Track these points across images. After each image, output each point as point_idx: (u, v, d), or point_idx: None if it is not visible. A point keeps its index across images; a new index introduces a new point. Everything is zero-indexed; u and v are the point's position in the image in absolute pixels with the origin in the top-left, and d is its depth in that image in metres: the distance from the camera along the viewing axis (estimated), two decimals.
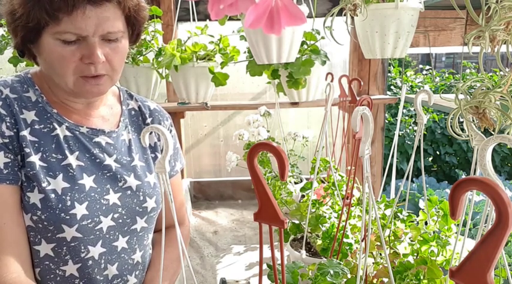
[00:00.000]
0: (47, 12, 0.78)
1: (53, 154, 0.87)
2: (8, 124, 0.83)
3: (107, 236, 0.91)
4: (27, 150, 0.84)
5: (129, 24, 0.91)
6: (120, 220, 0.92)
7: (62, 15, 0.78)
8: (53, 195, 0.84)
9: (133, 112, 1.04)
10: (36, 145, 0.86)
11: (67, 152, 0.88)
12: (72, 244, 0.86)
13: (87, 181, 0.89)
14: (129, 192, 0.94)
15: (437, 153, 5.49)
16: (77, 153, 0.89)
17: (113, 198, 0.91)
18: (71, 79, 0.84)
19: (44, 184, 0.84)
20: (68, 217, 0.85)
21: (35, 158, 0.84)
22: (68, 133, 0.90)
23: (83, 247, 0.88)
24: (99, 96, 0.91)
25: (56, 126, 0.89)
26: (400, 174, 4.65)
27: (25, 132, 0.85)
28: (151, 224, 1.00)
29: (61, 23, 0.79)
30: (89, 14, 0.80)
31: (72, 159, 0.88)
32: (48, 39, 0.81)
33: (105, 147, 0.94)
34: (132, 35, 0.94)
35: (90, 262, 0.89)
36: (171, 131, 1.09)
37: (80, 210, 0.86)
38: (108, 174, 0.92)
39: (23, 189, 0.84)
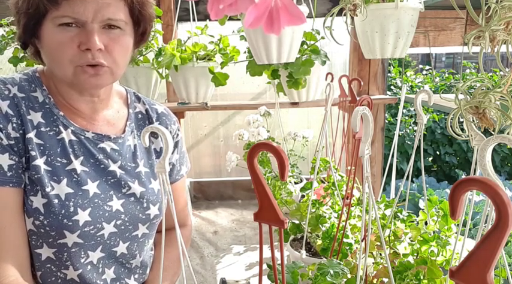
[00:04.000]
0: None
1: (58, 159, 0.85)
2: (14, 125, 0.82)
3: (108, 242, 0.90)
4: (32, 153, 0.82)
5: (133, 19, 0.89)
6: (122, 227, 0.91)
7: None
8: (56, 201, 0.83)
9: (140, 115, 1.01)
10: (42, 148, 0.84)
11: (72, 157, 0.87)
12: (73, 249, 0.86)
13: (91, 187, 0.87)
14: (132, 198, 0.93)
15: (437, 153, 5.49)
16: (81, 158, 0.88)
17: (116, 204, 0.90)
18: (69, 68, 0.82)
19: (47, 189, 0.83)
20: (70, 223, 0.84)
21: (40, 161, 0.83)
22: (73, 137, 0.88)
23: (83, 253, 0.87)
24: (98, 88, 0.89)
25: (62, 129, 0.87)
26: (400, 174, 4.65)
27: (31, 134, 0.83)
28: (152, 231, 0.99)
29: (60, 7, 0.79)
30: None
31: (76, 164, 0.87)
32: (48, 26, 0.81)
33: (110, 153, 0.92)
34: (137, 33, 0.91)
35: (89, 266, 0.89)
36: (177, 135, 1.06)
37: (83, 216, 0.85)
38: (112, 180, 0.91)
39: (26, 193, 0.83)
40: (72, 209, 0.84)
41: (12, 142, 0.81)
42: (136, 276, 0.97)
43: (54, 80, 0.90)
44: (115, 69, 0.87)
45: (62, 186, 0.84)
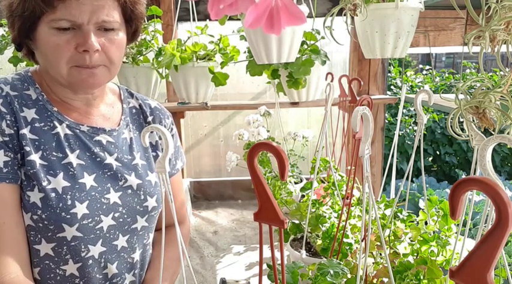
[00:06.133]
0: None
1: (54, 153, 0.86)
2: (8, 122, 0.83)
3: (107, 235, 0.90)
4: (27, 148, 0.84)
5: (126, 19, 0.91)
6: (121, 219, 0.92)
7: (57, 2, 0.79)
8: (53, 194, 0.84)
9: (134, 110, 1.03)
10: (37, 143, 0.85)
11: (67, 150, 0.88)
12: (73, 243, 0.86)
13: (88, 180, 0.88)
14: (129, 191, 0.94)
15: (437, 153, 5.49)
16: (77, 151, 0.89)
17: (114, 197, 0.91)
18: (65, 68, 0.84)
19: (44, 183, 0.83)
20: (68, 216, 0.84)
21: (35, 157, 0.84)
22: (68, 131, 0.89)
23: (83, 246, 0.87)
24: (95, 87, 0.90)
25: (57, 124, 0.88)
26: (400, 174, 4.65)
27: (25, 130, 0.84)
28: (152, 224, 1.00)
29: (56, 10, 0.80)
30: (83, 1, 0.81)
31: (72, 158, 0.88)
32: (43, 29, 0.82)
33: (106, 146, 0.93)
34: (129, 32, 0.94)
35: (91, 261, 0.89)
36: (171, 129, 1.08)
37: (81, 209, 0.86)
38: (108, 173, 0.92)
39: (22, 188, 0.84)
40: (69, 202, 0.85)
41: (7, 139, 0.82)
42: (136, 271, 0.98)
43: (47, 79, 0.91)
44: (111, 68, 0.89)
45: (59, 179, 0.85)
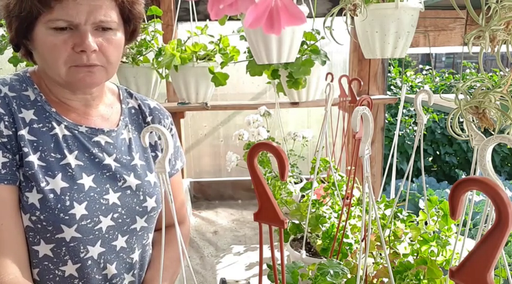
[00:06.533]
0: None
1: (52, 154, 0.86)
2: (6, 123, 0.83)
3: (106, 236, 0.90)
4: (25, 149, 0.83)
5: (124, 18, 0.90)
6: (120, 220, 0.92)
7: (54, 2, 0.79)
8: (51, 195, 0.84)
9: (133, 110, 1.03)
10: (35, 144, 0.85)
11: (66, 151, 0.88)
12: (72, 244, 0.86)
13: (87, 181, 0.88)
14: (128, 191, 0.94)
15: (437, 153, 5.49)
16: (76, 152, 0.89)
17: (113, 197, 0.91)
18: (63, 69, 0.84)
19: (42, 184, 0.83)
20: (67, 217, 0.84)
21: (33, 157, 0.84)
22: (66, 132, 0.89)
23: (82, 247, 0.87)
24: (92, 86, 0.90)
25: (55, 125, 0.88)
26: (400, 174, 4.65)
27: (23, 131, 0.84)
28: (151, 224, 1.00)
29: (53, 10, 0.80)
30: (80, 1, 0.81)
31: (71, 159, 0.88)
32: (41, 29, 0.82)
33: (105, 146, 0.93)
34: (128, 32, 0.94)
35: (90, 262, 0.89)
36: (171, 130, 1.08)
37: (79, 210, 0.86)
38: (107, 174, 0.92)
39: (21, 189, 0.84)
40: (68, 203, 0.85)
41: (5, 140, 0.82)
42: (135, 272, 0.98)
43: (45, 80, 0.91)
44: (109, 68, 0.89)
45: (57, 180, 0.85)
